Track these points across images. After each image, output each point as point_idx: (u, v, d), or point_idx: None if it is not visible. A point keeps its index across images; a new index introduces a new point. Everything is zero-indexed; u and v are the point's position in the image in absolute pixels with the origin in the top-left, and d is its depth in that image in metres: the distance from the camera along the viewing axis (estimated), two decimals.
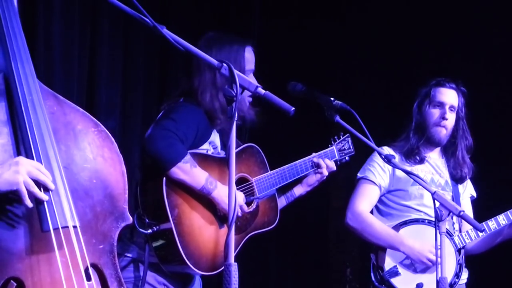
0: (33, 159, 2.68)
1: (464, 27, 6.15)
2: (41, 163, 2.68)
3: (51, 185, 2.65)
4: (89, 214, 2.79)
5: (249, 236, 3.89)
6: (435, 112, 4.61)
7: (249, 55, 3.90)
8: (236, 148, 3.83)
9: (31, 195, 2.61)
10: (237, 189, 3.83)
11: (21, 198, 2.60)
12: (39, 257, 2.66)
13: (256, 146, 4.00)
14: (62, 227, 2.67)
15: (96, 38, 5.22)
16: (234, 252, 3.66)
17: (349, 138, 4.35)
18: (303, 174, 4.14)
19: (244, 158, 3.92)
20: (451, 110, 4.62)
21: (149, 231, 3.58)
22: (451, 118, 4.61)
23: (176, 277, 3.76)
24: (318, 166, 4.15)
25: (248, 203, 3.88)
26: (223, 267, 3.61)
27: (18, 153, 2.70)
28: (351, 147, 4.35)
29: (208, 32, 3.94)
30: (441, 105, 4.62)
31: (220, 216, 3.77)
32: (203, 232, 3.70)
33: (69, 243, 2.69)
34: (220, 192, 3.68)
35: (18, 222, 2.66)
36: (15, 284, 2.62)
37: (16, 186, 2.58)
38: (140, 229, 3.57)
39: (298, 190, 4.22)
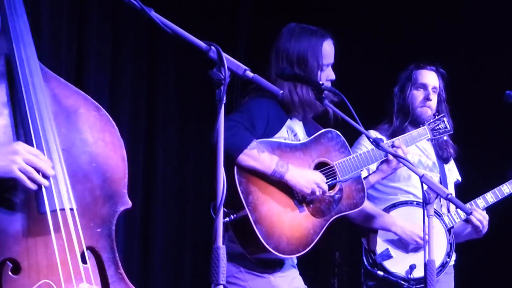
0: (31, 141, 2.68)
1: (454, 12, 6.18)
2: (41, 146, 2.68)
3: (50, 171, 2.65)
4: (88, 198, 2.78)
5: (334, 219, 3.91)
6: (419, 94, 4.65)
7: (328, 48, 3.96)
8: (314, 133, 3.96)
9: (32, 180, 2.62)
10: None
11: (22, 184, 2.61)
12: (35, 239, 2.66)
13: (336, 131, 4.00)
14: (59, 210, 2.67)
15: (84, 23, 5.22)
16: (317, 236, 3.83)
17: (444, 118, 4.45)
18: (385, 157, 4.13)
19: (323, 143, 3.95)
20: (434, 91, 4.68)
21: (227, 219, 3.63)
22: (434, 99, 4.66)
23: (263, 264, 3.80)
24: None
25: (331, 187, 3.90)
26: (307, 250, 3.77)
27: (17, 134, 2.70)
28: (448, 126, 4.45)
29: (290, 23, 4.01)
30: (424, 86, 4.67)
31: (299, 199, 3.81)
32: (282, 216, 3.74)
33: (66, 225, 2.69)
34: (294, 174, 3.73)
35: (15, 204, 2.66)
36: (11, 265, 2.63)
37: (11, 174, 2.59)
38: None
39: (373, 178, 4.24)
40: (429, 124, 4.41)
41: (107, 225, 2.82)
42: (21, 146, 2.63)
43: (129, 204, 2.88)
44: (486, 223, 4.53)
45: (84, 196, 2.76)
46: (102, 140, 2.87)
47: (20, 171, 2.60)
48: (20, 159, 2.60)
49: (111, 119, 2.91)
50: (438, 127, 4.42)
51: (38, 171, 2.63)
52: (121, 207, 2.86)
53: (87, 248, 2.74)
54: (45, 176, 2.64)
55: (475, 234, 4.61)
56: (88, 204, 2.77)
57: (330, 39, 3.98)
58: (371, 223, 4.46)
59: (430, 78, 4.68)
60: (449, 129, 4.46)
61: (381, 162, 4.19)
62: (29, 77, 2.74)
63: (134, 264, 5.56)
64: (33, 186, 2.62)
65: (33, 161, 2.62)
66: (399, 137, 4.28)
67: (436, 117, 4.46)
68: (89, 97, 2.90)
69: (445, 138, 4.49)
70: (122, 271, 2.83)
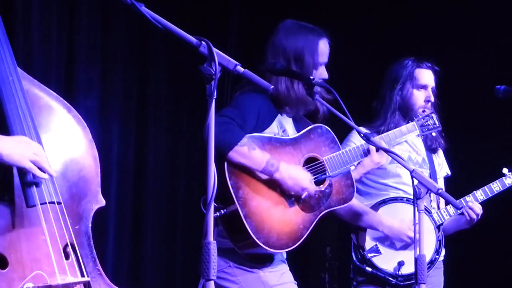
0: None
1: (446, 4, 6.19)
2: None
3: (48, 168, 2.72)
4: (65, 195, 2.85)
5: (324, 214, 3.92)
6: (420, 95, 4.62)
7: (323, 47, 3.99)
8: (303, 128, 3.96)
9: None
10: (306, 168, 3.88)
11: (31, 172, 2.69)
12: (23, 233, 2.71)
13: (325, 126, 4.01)
14: (48, 203, 2.73)
15: (74, 18, 5.21)
16: (307, 231, 3.83)
17: (433, 114, 4.44)
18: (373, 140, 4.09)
19: (313, 138, 3.96)
20: (432, 92, 4.66)
21: (217, 214, 3.63)
22: (432, 100, 4.64)
23: (252, 258, 3.81)
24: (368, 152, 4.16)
25: (320, 182, 3.91)
26: (296, 244, 3.78)
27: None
28: (436, 122, 4.43)
29: (286, 20, 4.03)
30: (424, 87, 4.65)
31: (289, 196, 3.81)
32: (272, 210, 3.76)
33: (55, 218, 2.75)
34: (283, 173, 3.74)
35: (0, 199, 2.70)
36: None
37: (21, 164, 2.67)
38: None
39: (355, 173, 4.22)
40: (418, 120, 4.40)
41: (84, 222, 2.89)
42: (27, 139, 2.69)
43: (103, 202, 2.95)
44: (479, 217, 4.56)
45: (62, 194, 2.82)
46: (75, 140, 2.95)
47: (31, 162, 2.66)
48: (31, 152, 2.66)
49: (82, 119, 2.98)
50: (427, 123, 4.42)
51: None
52: (96, 205, 2.94)
53: (69, 243, 2.79)
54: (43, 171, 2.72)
55: (465, 225, 4.63)
56: (66, 202, 2.83)
57: (326, 38, 4.01)
58: (359, 222, 4.46)
59: (429, 78, 4.66)
60: (437, 125, 4.44)
61: (364, 157, 4.19)
62: (9, 75, 2.78)
63: (125, 260, 5.55)
64: (44, 176, 2.69)
65: (39, 154, 2.68)
66: (388, 132, 4.28)
67: (425, 114, 4.45)
68: (60, 97, 2.96)
69: (433, 134, 4.49)
70: (100, 267, 2.89)
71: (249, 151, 3.68)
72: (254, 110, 3.81)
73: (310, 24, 4.03)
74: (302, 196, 3.80)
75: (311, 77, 3.85)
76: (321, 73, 3.97)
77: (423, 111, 4.50)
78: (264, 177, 3.74)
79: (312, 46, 3.93)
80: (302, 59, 3.91)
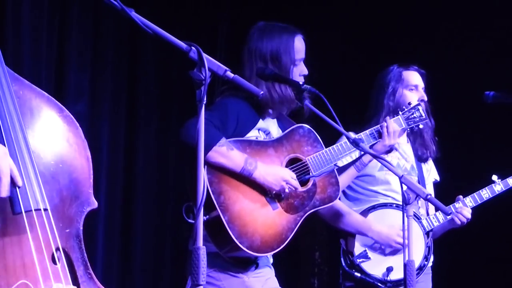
0: (3, 141, 2.68)
1: (434, 10, 6.21)
2: (13, 147, 2.69)
3: (19, 181, 2.66)
4: (56, 198, 2.80)
5: (308, 214, 3.89)
6: (413, 95, 4.60)
7: (299, 44, 3.98)
8: (286, 129, 3.95)
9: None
10: (290, 169, 3.86)
11: None
12: (9, 240, 2.68)
13: (308, 126, 3.99)
14: (34, 210, 2.69)
15: (65, 22, 5.22)
16: (292, 232, 3.80)
17: (419, 106, 4.38)
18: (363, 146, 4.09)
19: (295, 139, 3.94)
20: (424, 92, 4.66)
21: None
22: (425, 99, 4.64)
23: (236, 262, 3.80)
24: (380, 135, 4.21)
25: (304, 182, 3.90)
26: (281, 247, 3.75)
27: None
28: (423, 114, 4.37)
29: (258, 22, 4.02)
30: (415, 87, 4.65)
31: (271, 196, 3.80)
32: (254, 214, 3.74)
33: (41, 225, 2.71)
34: (262, 172, 3.72)
35: None
36: None
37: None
38: (189, 220, 3.58)
39: (367, 158, 4.26)
40: (403, 114, 4.35)
41: (75, 225, 2.85)
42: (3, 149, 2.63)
43: (95, 204, 2.91)
44: (468, 220, 4.58)
45: (52, 197, 2.79)
46: (67, 141, 2.89)
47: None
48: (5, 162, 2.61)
49: (74, 120, 2.93)
50: (413, 116, 4.35)
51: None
52: (88, 208, 2.89)
53: (58, 248, 2.76)
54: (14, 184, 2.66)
55: (452, 226, 4.63)
56: (56, 205, 2.80)
57: (300, 34, 4.01)
58: (348, 228, 4.45)
59: (418, 79, 4.66)
60: (424, 117, 4.37)
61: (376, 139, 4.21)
62: None
63: (114, 264, 5.55)
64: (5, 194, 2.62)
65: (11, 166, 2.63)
66: (373, 128, 4.26)
67: (411, 106, 4.39)
68: (52, 98, 2.92)
69: (421, 126, 4.42)
70: (91, 271, 2.85)
71: (228, 151, 3.66)
72: (233, 114, 3.79)
73: (283, 23, 4.03)
74: (286, 190, 3.79)
75: (301, 82, 3.86)
76: (301, 70, 3.98)
77: (409, 103, 4.45)
78: (244, 178, 3.72)
79: (287, 45, 3.93)
80: (279, 58, 3.91)
